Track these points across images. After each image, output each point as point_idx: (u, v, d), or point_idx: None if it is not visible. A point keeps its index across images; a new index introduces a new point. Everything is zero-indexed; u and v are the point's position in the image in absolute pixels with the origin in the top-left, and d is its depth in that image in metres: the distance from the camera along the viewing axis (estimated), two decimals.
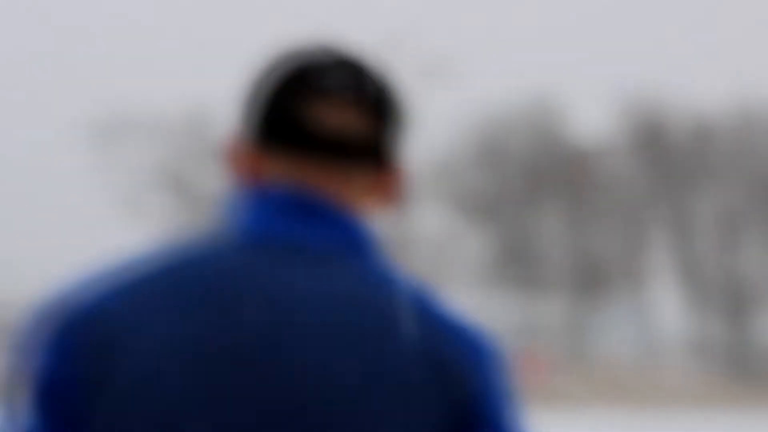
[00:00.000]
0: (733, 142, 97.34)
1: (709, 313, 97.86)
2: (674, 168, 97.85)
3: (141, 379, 1.72)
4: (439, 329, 1.64)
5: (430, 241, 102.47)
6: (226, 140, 1.91)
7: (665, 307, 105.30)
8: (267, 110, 1.84)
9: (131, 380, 1.73)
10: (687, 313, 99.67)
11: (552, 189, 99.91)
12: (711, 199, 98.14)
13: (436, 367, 1.68)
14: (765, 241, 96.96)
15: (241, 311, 1.71)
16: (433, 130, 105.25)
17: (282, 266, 1.74)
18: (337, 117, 1.78)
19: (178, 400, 1.73)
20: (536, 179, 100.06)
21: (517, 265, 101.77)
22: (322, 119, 1.79)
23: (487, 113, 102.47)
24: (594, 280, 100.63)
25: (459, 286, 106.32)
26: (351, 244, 1.73)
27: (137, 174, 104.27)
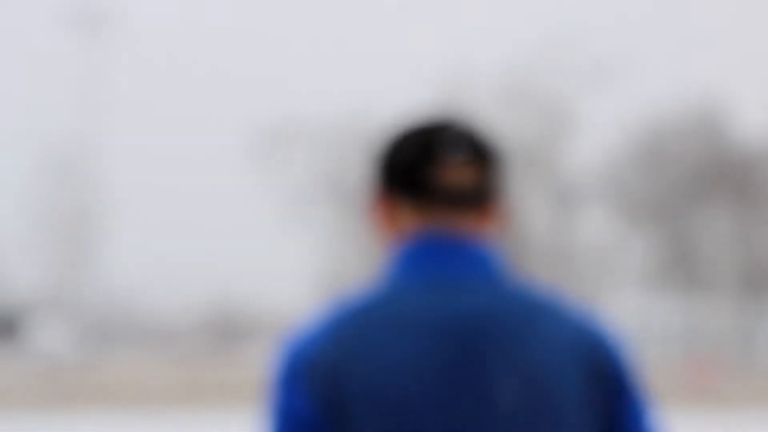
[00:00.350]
0: None
1: None
2: None
3: (383, 399, 2.34)
4: (577, 325, 2.35)
5: (595, 246, 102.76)
6: (368, 199, 2.52)
7: None
8: (407, 171, 2.45)
9: (373, 402, 2.33)
10: None
11: (717, 191, 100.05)
12: None
13: (585, 344, 2.40)
14: None
15: (448, 325, 2.39)
16: (597, 134, 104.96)
17: (443, 295, 2.43)
18: (455, 176, 2.48)
19: (418, 399, 2.31)
20: (701, 182, 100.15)
21: (682, 268, 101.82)
22: (444, 178, 2.49)
23: (652, 115, 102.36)
24: (761, 282, 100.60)
25: (624, 291, 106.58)
26: (489, 267, 2.48)
27: (302, 184, 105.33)
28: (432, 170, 2.46)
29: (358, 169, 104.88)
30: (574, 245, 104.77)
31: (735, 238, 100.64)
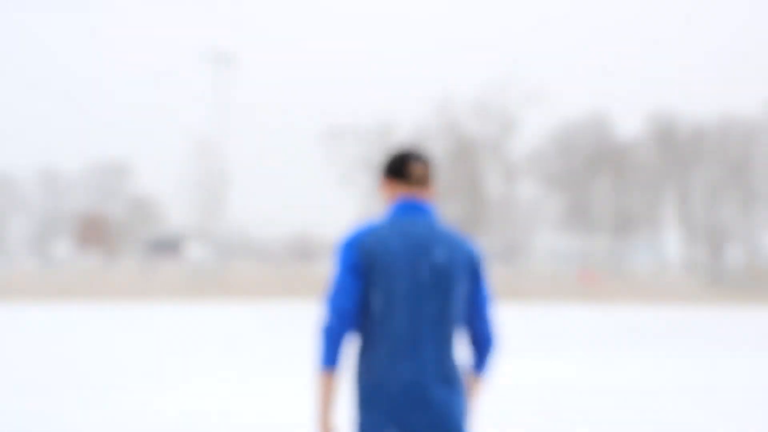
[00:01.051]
0: None
1: (697, 246, 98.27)
2: (687, 159, 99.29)
3: (388, 265, 3.55)
4: (461, 240, 3.65)
5: (528, 203, 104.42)
6: (380, 180, 3.70)
7: (670, 243, 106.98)
8: (396, 167, 3.72)
9: (385, 266, 3.53)
10: (683, 245, 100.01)
11: (604, 168, 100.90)
12: (700, 175, 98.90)
13: (463, 255, 3.63)
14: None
15: (411, 236, 3.62)
16: (531, 132, 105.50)
17: (419, 227, 3.67)
18: (419, 169, 3.72)
19: (400, 269, 3.54)
20: (594, 162, 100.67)
21: (580, 218, 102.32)
22: (415, 170, 3.72)
23: (564, 119, 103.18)
24: (627, 227, 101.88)
25: (545, 231, 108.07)
26: (429, 215, 3.73)
27: (349, 164, 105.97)
28: (407, 167, 3.98)
29: (380, 156, 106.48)
30: (516, 203, 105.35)
31: (613, 199, 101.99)
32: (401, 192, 3.75)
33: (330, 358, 3.34)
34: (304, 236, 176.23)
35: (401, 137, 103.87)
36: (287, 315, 30.66)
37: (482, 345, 3.70)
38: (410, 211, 3.71)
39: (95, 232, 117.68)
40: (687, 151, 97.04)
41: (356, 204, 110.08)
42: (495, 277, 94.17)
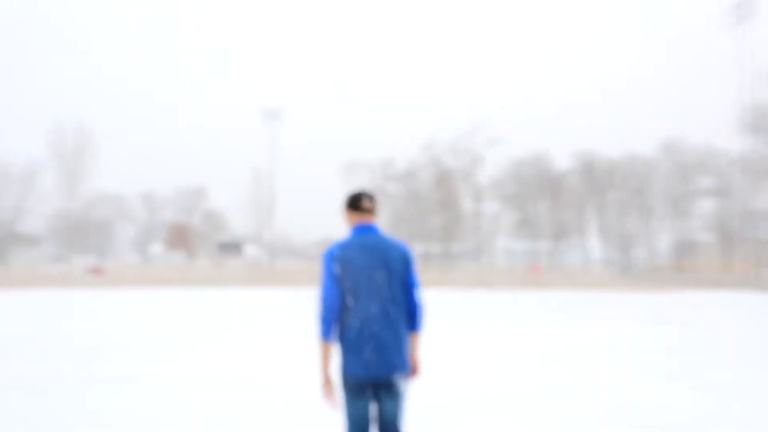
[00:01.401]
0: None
1: (611, 248, 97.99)
2: (603, 186, 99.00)
3: (351, 263, 4.27)
4: (394, 243, 4.38)
5: (489, 217, 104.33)
6: (344, 211, 4.49)
7: (593, 246, 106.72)
8: (354, 203, 4.44)
9: (348, 262, 4.27)
10: (601, 248, 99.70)
11: (544, 191, 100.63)
12: (612, 197, 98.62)
13: (398, 253, 4.37)
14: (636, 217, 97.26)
15: (366, 245, 4.32)
16: (493, 165, 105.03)
17: (371, 241, 4.36)
18: (367, 204, 4.44)
19: (360, 267, 4.27)
20: (537, 186, 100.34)
21: (526, 227, 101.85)
22: (365, 205, 4.45)
23: (514, 156, 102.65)
24: (562, 234, 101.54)
25: (501, 238, 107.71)
26: (376, 231, 4.43)
27: (363, 186, 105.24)
28: (360, 203, 4.54)
29: (383, 182, 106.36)
30: (482, 216, 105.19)
31: (551, 214, 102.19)
32: (357, 219, 4.43)
33: (325, 334, 4.18)
34: (330, 239, 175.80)
35: (398, 169, 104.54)
36: (313, 295, 30.75)
37: (413, 313, 4.36)
38: (363, 230, 4.37)
39: (180, 237, 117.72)
40: (603, 180, 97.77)
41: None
42: (467, 270, 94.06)
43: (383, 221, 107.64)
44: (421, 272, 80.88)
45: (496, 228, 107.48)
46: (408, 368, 4.24)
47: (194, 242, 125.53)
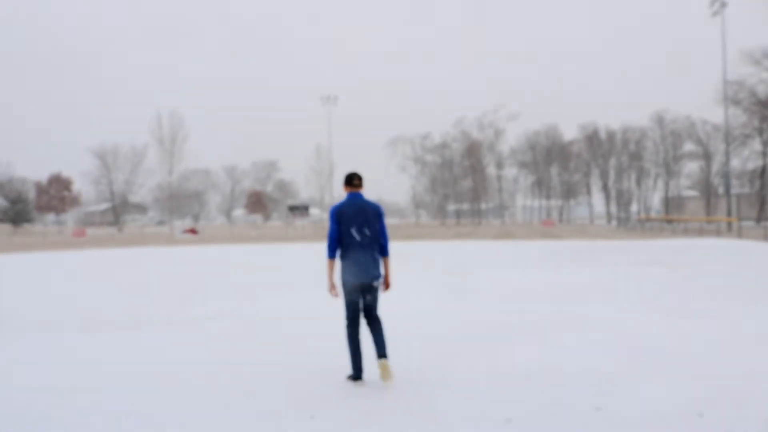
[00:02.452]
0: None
1: (612, 204, 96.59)
2: (605, 152, 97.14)
3: (341, 217, 5.72)
4: (372, 204, 5.79)
5: (510, 180, 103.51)
6: (343, 185, 5.89)
7: (596, 203, 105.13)
8: (349, 180, 5.89)
9: (344, 215, 5.72)
10: (604, 204, 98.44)
11: (553, 160, 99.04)
12: (613, 161, 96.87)
13: (374, 210, 5.78)
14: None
15: (354, 205, 5.77)
16: (511, 138, 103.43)
17: (357, 203, 5.79)
18: (356, 181, 5.85)
19: (351, 218, 5.71)
20: (549, 154, 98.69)
21: (543, 187, 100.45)
22: (355, 182, 5.86)
23: (529, 129, 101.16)
24: (572, 194, 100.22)
25: (522, 197, 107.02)
26: (361, 196, 5.83)
27: (405, 159, 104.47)
28: (352, 180, 5.86)
29: (422, 154, 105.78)
30: (504, 180, 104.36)
31: (561, 177, 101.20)
32: (350, 189, 5.83)
33: (331, 256, 5.72)
34: (380, 202, 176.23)
35: (434, 141, 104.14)
36: None
37: (383, 245, 5.84)
38: (354, 196, 5.79)
39: (258, 203, 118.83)
40: (604, 147, 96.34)
41: (408, 182, 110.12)
42: (492, 225, 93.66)
43: (422, 185, 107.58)
44: (454, 227, 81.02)
45: (515, 189, 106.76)
46: (381, 276, 5.81)
47: (269, 206, 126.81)
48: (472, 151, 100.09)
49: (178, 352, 7.29)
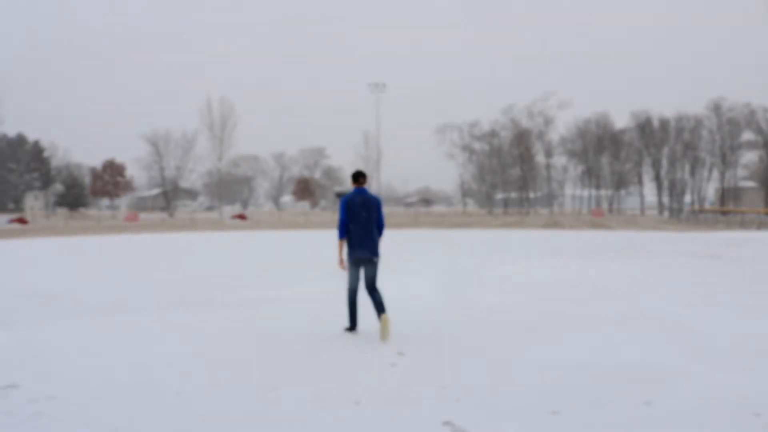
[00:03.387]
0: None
1: (664, 195, 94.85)
2: (657, 141, 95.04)
3: (348, 207, 7.18)
4: (373, 197, 7.28)
5: (559, 168, 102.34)
6: (351, 181, 7.40)
7: (647, 193, 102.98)
8: (356, 178, 7.36)
9: (351, 205, 7.18)
10: (655, 194, 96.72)
11: (604, 149, 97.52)
12: (665, 150, 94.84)
13: (375, 201, 7.28)
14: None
15: (359, 196, 7.24)
16: (561, 126, 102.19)
17: (362, 195, 7.26)
18: (361, 178, 7.35)
19: (356, 207, 7.19)
20: (599, 143, 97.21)
21: (593, 176, 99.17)
22: (360, 179, 7.38)
23: (579, 117, 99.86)
24: (622, 183, 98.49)
25: (570, 186, 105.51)
26: (370, 194, 7.33)
27: (453, 146, 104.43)
28: (358, 178, 7.31)
29: (470, 142, 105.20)
30: (553, 168, 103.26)
31: (612, 166, 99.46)
32: (356, 185, 7.26)
33: (341, 236, 7.12)
34: (427, 190, 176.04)
35: (483, 129, 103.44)
36: (416, 236, 30.84)
37: (380, 228, 7.31)
38: (359, 190, 7.23)
39: (305, 189, 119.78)
40: (657, 136, 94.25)
41: (455, 170, 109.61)
42: (540, 214, 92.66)
43: (470, 173, 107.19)
44: (501, 216, 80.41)
45: (564, 178, 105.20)
46: (379, 254, 7.24)
47: (316, 193, 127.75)
48: (521, 139, 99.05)
49: (223, 334, 7.44)
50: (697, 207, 73.76)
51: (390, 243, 25.61)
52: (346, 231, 7.11)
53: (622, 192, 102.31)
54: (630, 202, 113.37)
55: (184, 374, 5.72)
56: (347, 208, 7.11)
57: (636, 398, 4.87)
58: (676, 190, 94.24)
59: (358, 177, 7.26)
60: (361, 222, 7.10)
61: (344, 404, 4.87)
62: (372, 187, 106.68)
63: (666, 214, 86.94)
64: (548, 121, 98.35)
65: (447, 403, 4.88)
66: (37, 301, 10.28)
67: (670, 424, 4.34)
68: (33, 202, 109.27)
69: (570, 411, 4.63)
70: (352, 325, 7.45)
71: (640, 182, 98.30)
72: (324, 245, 24.03)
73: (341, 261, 7.19)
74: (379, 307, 7.04)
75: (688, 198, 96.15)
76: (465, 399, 4.94)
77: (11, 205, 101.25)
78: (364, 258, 7.09)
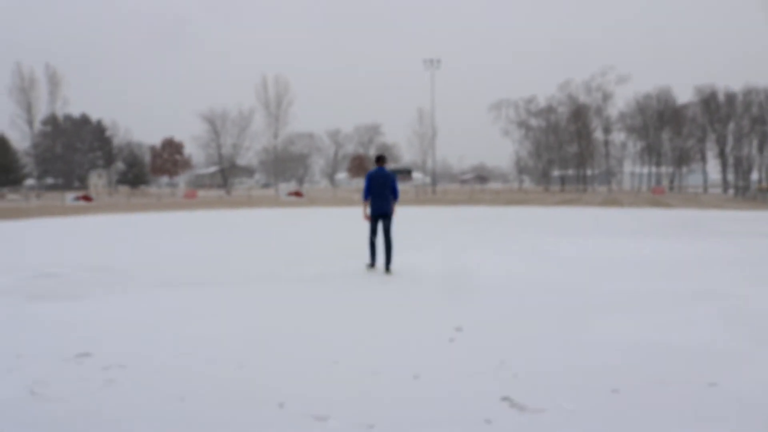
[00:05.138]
0: None
1: (729, 172, 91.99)
2: (723, 117, 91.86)
3: (371, 181, 10.33)
4: (389, 173, 10.38)
5: (617, 144, 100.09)
6: (374, 161, 13.29)
7: (711, 170, 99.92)
8: (378, 159, 10.63)
9: (373, 178, 10.33)
10: (719, 172, 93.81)
11: (665, 125, 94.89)
12: (731, 126, 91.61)
13: (390, 176, 10.40)
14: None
15: (380, 173, 10.36)
16: (620, 102, 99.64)
17: (381, 172, 10.38)
18: (382, 160, 10.59)
19: (376, 180, 10.33)
20: (660, 119, 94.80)
21: (653, 152, 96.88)
22: (380, 161, 10.59)
23: (637, 91, 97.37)
24: (684, 160, 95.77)
25: (630, 163, 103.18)
26: (387, 172, 10.40)
27: (509, 122, 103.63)
28: (379, 160, 10.56)
29: (527, 118, 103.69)
30: (612, 145, 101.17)
31: (673, 142, 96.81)
32: (378, 165, 10.28)
33: (365, 198, 10.19)
34: (483, 167, 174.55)
35: (539, 105, 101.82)
36: (473, 213, 30.59)
37: (395, 195, 10.28)
38: (379, 168, 10.19)
39: (360, 166, 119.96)
40: (723, 110, 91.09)
41: (511, 146, 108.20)
42: (599, 191, 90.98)
43: (526, 149, 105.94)
44: (558, 193, 79.31)
45: (623, 155, 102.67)
46: (392, 211, 10.24)
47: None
48: (579, 115, 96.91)
49: (280, 310, 7.63)
50: (765, 185, 71.19)
51: (446, 220, 25.52)
52: (368, 195, 10.26)
53: (684, 169, 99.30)
54: (692, 179, 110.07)
55: (247, 347, 5.90)
56: (370, 180, 10.23)
57: (699, 380, 4.80)
58: (742, 168, 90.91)
59: (379, 159, 10.48)
60: (378, 190, 10.23)
61: (403, 378, 4.96)
62: (427, 164, 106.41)
63: (731, 192, 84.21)
64: (606, 97, 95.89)
65: (505, 378, 4.91)
66: (106, 274, 10.68)
67: (734, 406, 4.28)
68: (97, 180, 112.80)
69: (630, 390, 4.59)
70: (372, 263, 10.72)
71: (703, 159, 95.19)
72: None
73: (365, 216, 10.44)
74: (387, 263, 10.28)
75: (755, 176, 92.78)
76: (523, 375, 4.97)
77: (77, 183, 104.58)
78: (380, 214, 10.28)
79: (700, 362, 5.26)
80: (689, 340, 5.97)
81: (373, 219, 10.33)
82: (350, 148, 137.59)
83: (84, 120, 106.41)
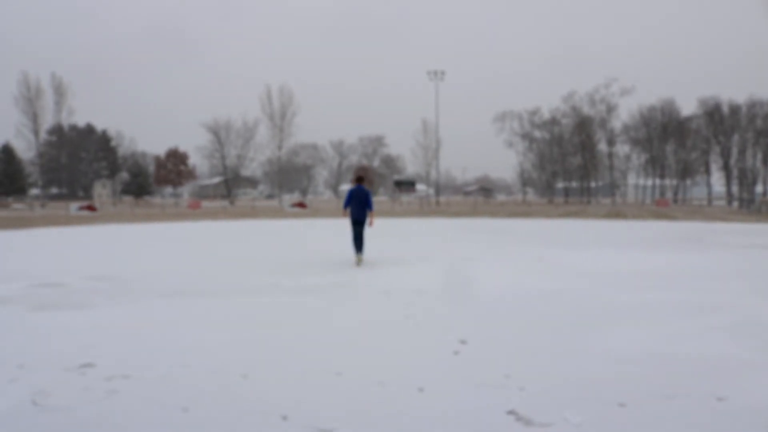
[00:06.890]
0: None
1: (733, 185, 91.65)
2: (727, 129, 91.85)
3: (351, 196, 13.36)
4: (365, 190, 13.43)
5: (621, 156, 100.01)
6: (351, 180, 20.04)
7: (715, 183, 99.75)
8: (357, 177, 13.74)
9: (353, 193, 13.38)
10: (724, 185, 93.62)
11: (669, 137, 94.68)
12: (735, 139, 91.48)
13: (365, 193, 13.42)
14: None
15: (358, 191, 13.32)
16: (624, 113, 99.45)
17: (359, 189, 13.39)
18: (361, 177, 13.83)
19: (355, 196, 13.37)
20: (664, 131, 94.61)
21: (657, 164, 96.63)
22: (358, 178, 13.70)
23: (641, 104, 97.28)
24: (688, 173, 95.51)
25: (634, 175, 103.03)
26: (364, 189, 13.45)
27: (512, 134, 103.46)
28: (357, 176, 13.74)
29: (530, 130, 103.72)
30: (615, 157, 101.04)
31: (677, 155, 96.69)
32: (356, 183, 13.40)
33: (345, 207, 13.32)
34: (486, 178, 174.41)
35: (543, 117, 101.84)
36: (474, 224, 30.51)
37: (370, 208, 13.38)
38: (358, 186, 13.31)
39: (364, 177, 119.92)
40: (727, 123, 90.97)
41: (515, 158, 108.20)
42: (602, 203, 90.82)
43: (530, 161, 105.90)
44: (562, 205, 79.21)
45: (627, 167, 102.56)
46: (368, 219, 13.39)
47: (375, 181, 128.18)
48: (583, 127, 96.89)
49: (280, 317, 7.58)
50: None
51: (449, 231, 25.48)
52: (347, 205, 13.28)
53: (688, 181, 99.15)
54: (696, 192, 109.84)
55: (250, 357, 5.87)
56: (351, 195, 13.20)
57: (707, 393, 4.75)
58: (746, 180, 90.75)
59: (359, 179, 13.53)
60: (356, 203, 13.24)
61: (408, 390, 4.92)
62: (431, 175, 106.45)
63: (735, 204, 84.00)
64: (610, 109, 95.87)
65: (511, 391, 4.87)
66: (110, 284, 10.69)
67: (743, 420, 4.23)
68: (101, 190, 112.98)
69: (638, 404, 4.55)
70: (357, 254, 13.30)
71: (708, 171, 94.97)
72: (379, 233, 24.06)
73: (344, 213, 13.51)
74: (358, 249, 13.22)
75: (759, 188, 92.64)
76: (529, 388, 4.93)
77: (81, 193, 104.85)
78: (358, 220, 13.26)
79: (709, 375, 5.21)
80: (697, 352, 5.92)
81: (354, 224, 13.31)
82: (354, 159, 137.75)
83: (89, 130, 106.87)
